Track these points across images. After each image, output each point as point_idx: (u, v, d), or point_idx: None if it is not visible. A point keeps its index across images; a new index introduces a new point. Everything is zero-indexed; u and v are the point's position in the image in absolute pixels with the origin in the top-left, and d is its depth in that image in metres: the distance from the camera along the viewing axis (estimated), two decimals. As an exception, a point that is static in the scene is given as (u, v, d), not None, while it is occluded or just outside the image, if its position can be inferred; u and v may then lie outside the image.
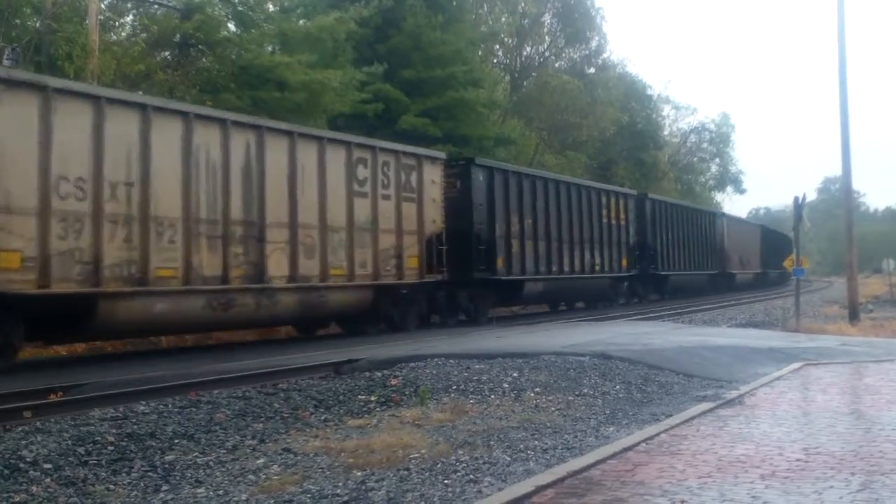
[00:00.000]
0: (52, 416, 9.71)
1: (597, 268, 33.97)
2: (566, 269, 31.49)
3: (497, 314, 28.72)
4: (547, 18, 57.52)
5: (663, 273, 41.73)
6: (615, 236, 35.91)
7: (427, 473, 7.39)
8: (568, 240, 31.67)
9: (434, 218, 24.10)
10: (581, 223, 32.87)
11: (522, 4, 54.65)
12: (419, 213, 23.59)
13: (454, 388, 11.85)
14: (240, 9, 27.79)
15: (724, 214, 56.64)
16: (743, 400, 11.08)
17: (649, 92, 74.71)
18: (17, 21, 23.58)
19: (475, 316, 26.94)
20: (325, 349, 17.46)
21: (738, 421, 9.59)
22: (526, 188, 29.19)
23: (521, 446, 8.40)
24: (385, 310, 22.90)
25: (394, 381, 12.24)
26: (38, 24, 23.20)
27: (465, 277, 25.77)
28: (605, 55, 63.59)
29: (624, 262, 36.62)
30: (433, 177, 24.29)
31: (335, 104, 27.90)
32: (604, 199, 35.26)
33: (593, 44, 61.10)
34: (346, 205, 21.23)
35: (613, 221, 35.78)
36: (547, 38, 58.29)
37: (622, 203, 37.20)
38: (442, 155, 25.66)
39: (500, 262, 27.06)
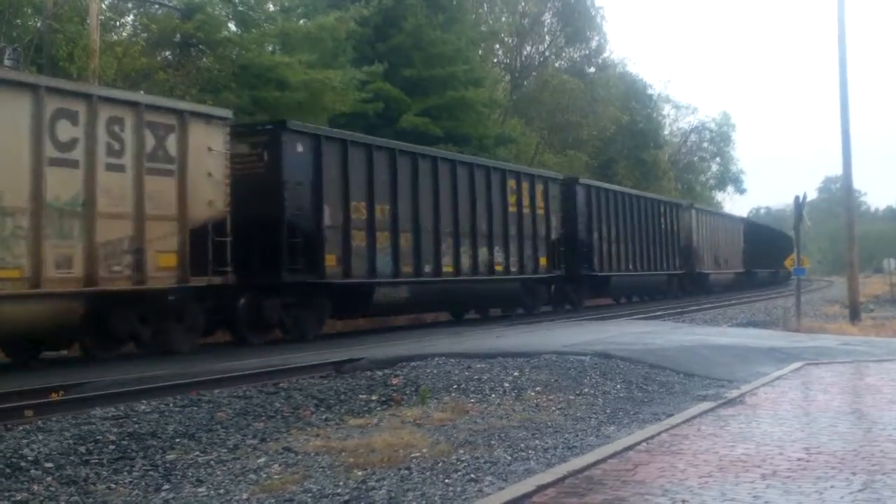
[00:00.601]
0: (54, 415, 9.71)
1: (498, 268, 27.39)
2: (447, 269, 24.97)
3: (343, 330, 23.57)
4: (547, 18, 57.57)
5: (602, 274, 34.61)
6: (528, 229, 29.13)
7: (428, 473, 7.39)
8: (451, 233, 25.18)
9: (210, 199, 17.94)
10: (473, 212, 26.25)
11: (523, 4, 54.70)
12: (180, 191, 17.43)
13: (455, 387, 11.85)
14: (240, 9, 27.85)
15: (693, 206, 49.69)
16: (744, 399, 11.08)
17: (650, 91, 74.76)
18: (18, 21, 23.62)
19: (299, 334, 20.63)
20: (326, 349, 17.48)
21: (739, 420, 9.59)
22: (381, 164, 22.71)
23: (522, 445, 8.39)
24: (121, 327, 16.99)
25: (395, 381, 12.24)
26: (38, 25, 23.22)
27: (273, 280, 19.74)
28: (605, 54, 63.77)
29: (543, 262, 29.98)
30: (211, 142, 18.06)
31: (335, 103, 27.93)
32: (510, 184, 28.35)
33: (593, 43, 61.24)
34: (31, 177, 15.04)
35: (526, 211, 29.07)
36: (547, 37, 58.33)
37: (539, 188, 30.15)
38: (225, 112, 19.09)
39: (330, 261, 20.86)
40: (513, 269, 28.19)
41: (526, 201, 29.18)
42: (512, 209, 28.18)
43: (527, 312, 29.74)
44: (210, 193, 17.96)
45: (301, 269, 19.96)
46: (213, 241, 17.93)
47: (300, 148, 20.33)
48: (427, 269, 24.14)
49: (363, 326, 25.86)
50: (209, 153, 17.99)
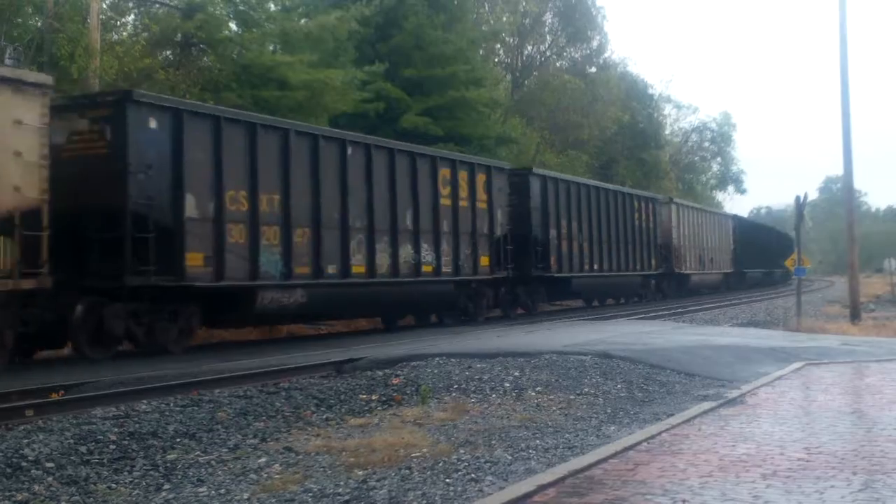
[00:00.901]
0: (54, 415, 9.72)
1: (427, 269, 23.96)
2: (357, 270, 21.56)
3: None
4: (548, 18, 57.64)
5: (562, 275, 31.24)
6: (466, 225, 25.51)
7: (428, 472, 7.39)
8: (365, 228, 21.90)
9: (17, 184, 14.60)
10: (393, 204, 22.87)
11: (524, 4, 54.72)
12: None
13: (455, 387, 11.85)
14: (241, 8, 27.87)
15: (673, 201, 45.90)
16: (744, 399, 11.08)
17: (650, 91, 74.84)
18: (19, 20, 23.62)
19: (156, 346, 17.25)
20: (327, 348, 17.49)
21: (740, 420, 9.59)
22: (268, 146, 19.34)
23: (523, 445, 8.40)
24: None
25: (395, 380, 12.24)
26: (39, 24, 23.24)
27: (114, 283, 16.40)
28: (606, 54, 63.85)
29: (484, 261, 26.41)
30: (16, 113, 14.70)
31: (336, 103, 27.94)
32: (443, 173, 24.82)
33: (594, 43, 61.30)
34: None
35: (463, 204, 25.48)
36: (548, 37, 58.41)
37: (481, 179, 26.44)
38: (42, 78, 15.78)
39: (195, 259, 17.44)
40: (445, 269, 24.68)
41: (464, 193, 25.64)
42: (445, 202, 24.77)
43: (469, 319, 26.19)
44: (17, 177, 14.59)
45: (152, 271, 16.62)
46: (22, 236, 14.63)
47: (153, 124, 17.01)
48: (331, 269, 20.79)
49: (363, 327, 25.84)
50: (17, 126, 14.63)
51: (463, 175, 25.74)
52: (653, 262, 40.50)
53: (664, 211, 42.92)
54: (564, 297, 34.30)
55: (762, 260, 64.42)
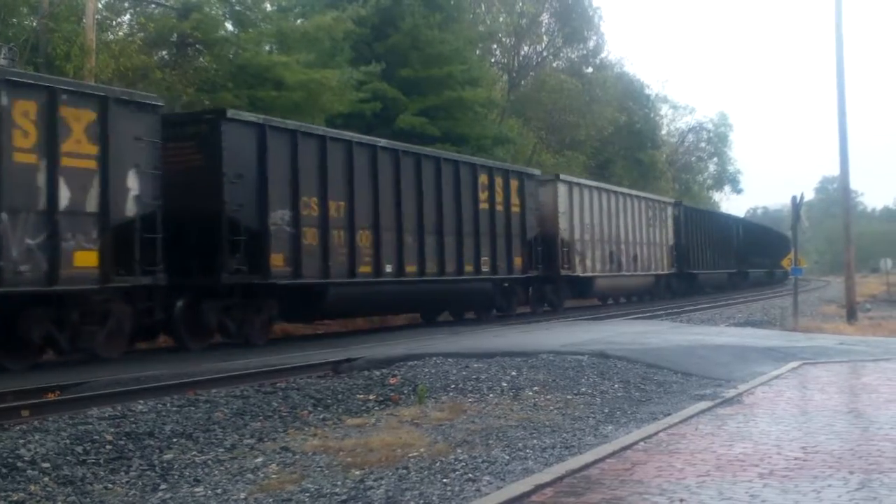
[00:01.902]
0: (50, 415, 9.70)
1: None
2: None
3: None
4: (545, 18, 57.66)
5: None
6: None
7: (426, 472, 7.39)
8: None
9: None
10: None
11: (520, 4, 54.79)
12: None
13: (452, 386, 11.85)
14: (237, 8, 27.85)
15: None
16: (741, 399, 11.08)
17: (647, 91, 74.90)
18: (14, 20, 23.58)
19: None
20: (324, 348, 17.48)
21: (737, 420, 9.59)
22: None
23: (520, 445, 8.39)
24: None
25: (392, 380, 12.24)
26: (34, 24, 23.19)
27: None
28: (602, 55, 63.97)
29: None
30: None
31: (333, 103, 27.91)
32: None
33: (591, 43, 61.36)
34: None
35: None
36: (545, 37, 58.42)
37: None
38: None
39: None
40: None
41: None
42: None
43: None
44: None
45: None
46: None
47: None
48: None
49: (361, 326, 25.85)
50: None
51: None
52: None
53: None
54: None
55: (721, 258, 53.69)
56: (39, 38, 22.34)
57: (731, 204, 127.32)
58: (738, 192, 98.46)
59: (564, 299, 33.08)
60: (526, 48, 57.08)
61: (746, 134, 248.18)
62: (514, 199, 28.07)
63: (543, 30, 58.08)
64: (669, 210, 43.58)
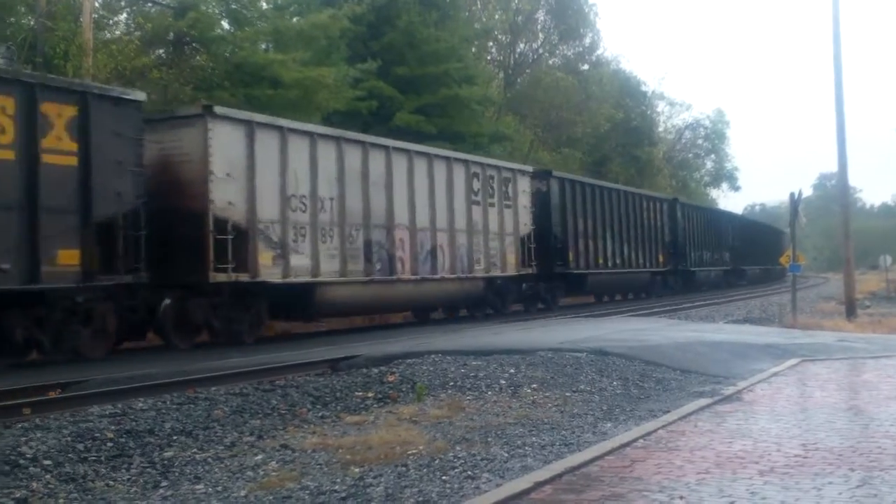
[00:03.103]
0: (52, 413, 9.71)
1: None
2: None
3: None
4: (540, 15, 57.64)
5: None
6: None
7: (425, 470, 7.40)
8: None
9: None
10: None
11: (516, 1, 54.73)
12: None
13: (451, 384, 11.85)
14: (233, 6, 27.82)
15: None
16: (741, 396, 11.10)
17: (644, 88, 74.97)
18: (12, 19, 23.58)
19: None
20: (323, 346, 17.49)
21: (736, 417, 9.60)
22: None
23: (519, 442, 8.40)
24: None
25: (391, 378, 12.23)
26: (32, 23, 23.18)
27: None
28: (598, 52, 63.97)
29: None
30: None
31: (329, 102, 27.90)
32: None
33: (587, 40, 61.37)
34: None
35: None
36: (541, 34, 58.39)
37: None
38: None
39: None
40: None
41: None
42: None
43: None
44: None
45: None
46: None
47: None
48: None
49: (359, 324, 25.86)
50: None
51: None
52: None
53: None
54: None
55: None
56: (37, 37, 22.34)
57: (729, 201, 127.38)
58: (736, 189, 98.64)
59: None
60: (522, 45, 57.08)
61: (744, 130, 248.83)
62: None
63: (539, 27, 58.07)
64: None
